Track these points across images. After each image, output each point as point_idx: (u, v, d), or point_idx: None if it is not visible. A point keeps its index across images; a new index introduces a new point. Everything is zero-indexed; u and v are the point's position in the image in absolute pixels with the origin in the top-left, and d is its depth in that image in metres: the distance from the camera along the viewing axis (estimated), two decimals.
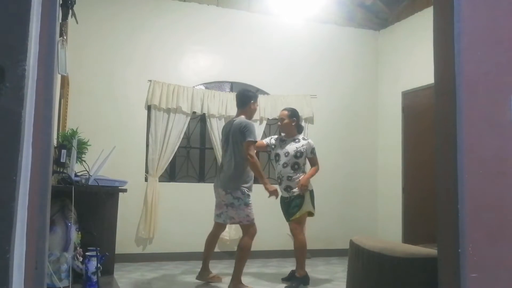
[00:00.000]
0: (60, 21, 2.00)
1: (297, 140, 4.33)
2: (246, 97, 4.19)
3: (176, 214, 5.30)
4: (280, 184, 4.32)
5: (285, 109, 4.44)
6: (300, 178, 4.22)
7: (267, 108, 5.78)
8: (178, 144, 5.43)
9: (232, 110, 5.60)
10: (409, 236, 5.58)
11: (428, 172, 4.84)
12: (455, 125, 1.69)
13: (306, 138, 4.41)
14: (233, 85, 5.91)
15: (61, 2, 2.06)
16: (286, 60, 6.00)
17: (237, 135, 3.99)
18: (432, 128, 1.94)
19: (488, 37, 1.77)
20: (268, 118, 5.79)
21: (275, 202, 4.99)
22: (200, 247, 4.75)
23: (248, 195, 3.97)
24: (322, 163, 6.08)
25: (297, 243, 4.23)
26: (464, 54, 1.72)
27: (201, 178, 5.68)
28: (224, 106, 5.60)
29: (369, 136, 6.33)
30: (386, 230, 6.01)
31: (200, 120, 5.71)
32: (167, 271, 4.75)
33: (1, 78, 1.02)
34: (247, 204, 3.93)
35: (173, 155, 5.40)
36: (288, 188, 4.26)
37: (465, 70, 1.71)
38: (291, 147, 4.28)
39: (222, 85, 5.92)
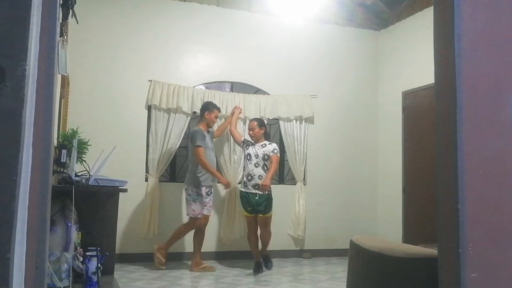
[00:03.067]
0: (60, 21, 2.00)
1: (263, 145, 4.95)
2: (202, 109, 4.98)
3: (176, 214, 5.30)
4: (249, 180, 4.86)
5: (254, 120, 5.11)
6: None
7: (267, 108, 5.78)
8: (179, 144, 5.42)
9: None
10: (409, 236, 5.58)
11: (429, 172, 4.84)
12: (455, 125, 1.69)
13: (271, 143, 5.07)
14: (233, 85, 5.91)
15: (61, 2, 2.06)
16: (286, 60, 6.00)
17: (189, 141, 4.97)
18: (432, 128, 1.94)
19: (488, 37, 1.77)
20: (268, 118, 5.79)
21: (276, 204, 5.00)
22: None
23: (197, 193, 4.70)
24: (323, 163, 6.13)
25: (269, 234, 4.95)
26: (464, 54, 1.72)
27: None
28: (224, 106, 5.58)
29: (370, 136, 6.33)
30: (386, 230, 6.01)
31: None
32: (167, 271, 4.75)
33: (1, 78, 1.02)
34: (194, 200, 4.71)
35: (173, 155, 5.40)
36: (256, 186, 4.82)
37: (465, 70, 1.71)
38: (260, 151, 4.91)
39: (223, 85, 5.91)
